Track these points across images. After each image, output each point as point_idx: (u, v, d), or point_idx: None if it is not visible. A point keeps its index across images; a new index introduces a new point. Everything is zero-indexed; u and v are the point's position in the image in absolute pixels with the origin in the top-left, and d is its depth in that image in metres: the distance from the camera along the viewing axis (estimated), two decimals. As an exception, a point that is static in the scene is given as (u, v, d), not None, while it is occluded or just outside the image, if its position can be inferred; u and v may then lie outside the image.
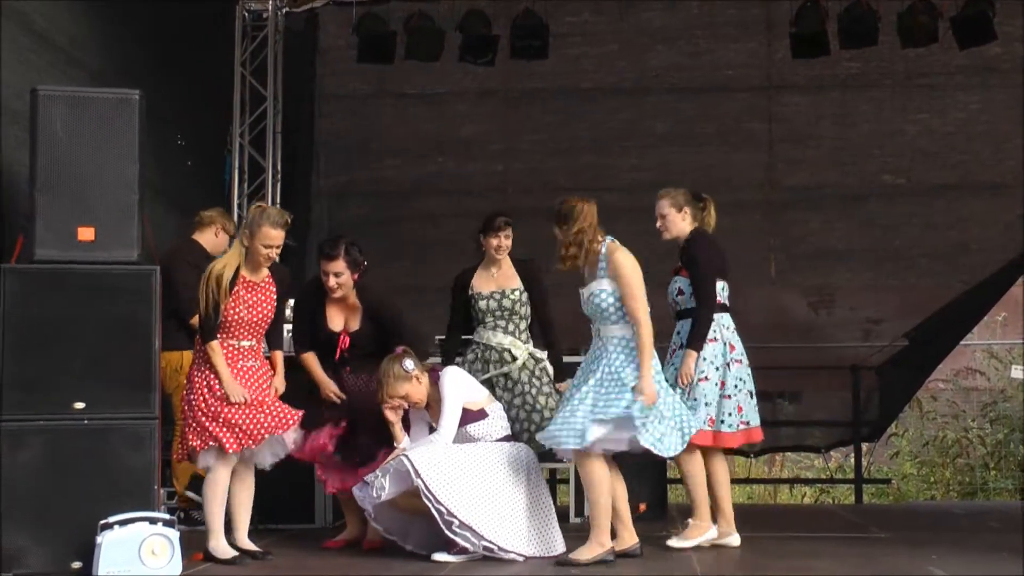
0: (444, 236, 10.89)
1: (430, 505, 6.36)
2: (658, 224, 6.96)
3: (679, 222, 6.92)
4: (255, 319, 6.48)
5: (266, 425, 6.36)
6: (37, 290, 6.05)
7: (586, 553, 6.25)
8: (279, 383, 6.62)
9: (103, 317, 6.11)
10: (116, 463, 6.05)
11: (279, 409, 6.45)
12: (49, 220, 6.10)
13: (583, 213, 6.35)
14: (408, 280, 10.85)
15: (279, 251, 6.52)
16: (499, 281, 7.40)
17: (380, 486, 6.48)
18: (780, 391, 11.28)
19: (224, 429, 6.29)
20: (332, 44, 11.13)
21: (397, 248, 11.05)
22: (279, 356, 6.72)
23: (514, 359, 7.29)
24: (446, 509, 6.36)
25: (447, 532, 6.38)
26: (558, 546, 6.64)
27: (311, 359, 7.03)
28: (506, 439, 6.84)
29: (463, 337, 7.54)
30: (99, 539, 5.82)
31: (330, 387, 6.97)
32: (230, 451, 6.30)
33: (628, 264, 6.31)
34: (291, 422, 6.46)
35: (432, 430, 6.77)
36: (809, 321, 10.91)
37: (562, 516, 7.10)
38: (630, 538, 6.50)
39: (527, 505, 6.64)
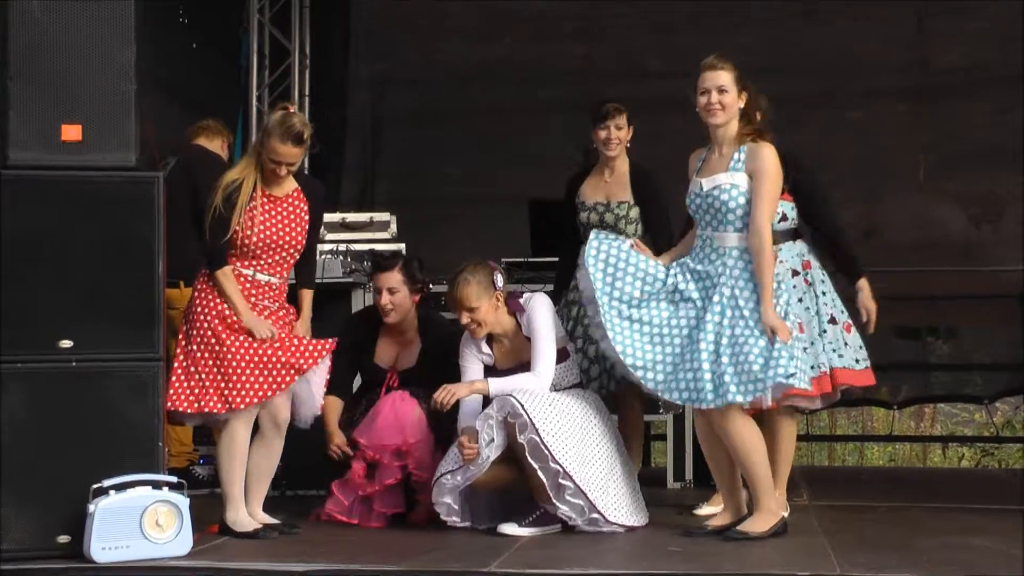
0: (510, 135, 10.88)
1: (538, 466, 6.40)
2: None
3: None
4: (280, 241, 6.51)
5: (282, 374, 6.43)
6: (12, 201, 6.04)
7: (760, 524, 6.36)
8: (303, 331, 6.66)
9: (94, 235, 6.11)
10: (112, 414, 6.07)
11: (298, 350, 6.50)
12: (26, 116, 6.08)
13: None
14: (464, 189, 10.89)
15: (292, 168, 6.55)
16: (609, 189, 7.42)
17: (485, 456, 6.49)
18: (932, 326, 11.21)
19: (223, 384, 6.37)
20: None
21: (451, 150, 11.07)
22: (307, 296, 6.75)
23: None
24: (562, 470, 6.39)
25: (555, 502, 6.43)
26: (643, 515, 6.79)
27: (333, 405, 7.11)
28: (577, 386, 6.90)
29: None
30: (91, 507, 5.86)
31: (338, 440, 7.07)
32: (223, 411, 6.40)
33: (776, 166, 6.36)
34: (307, 363, 6.50)
35: (491, 371, 6.81)
36: (968, 238, 10.76)
37: (658, 480, 7.13)
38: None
39: (619, 465, 6.74)
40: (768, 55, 10.45)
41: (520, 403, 6.43)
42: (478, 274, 6.71)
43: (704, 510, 7.19)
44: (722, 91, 6.43)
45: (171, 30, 9.25)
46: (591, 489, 6.45)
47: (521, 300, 6.82)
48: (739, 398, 6.19)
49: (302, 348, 6.49)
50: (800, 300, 6.74)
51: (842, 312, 6.90)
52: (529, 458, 6.39)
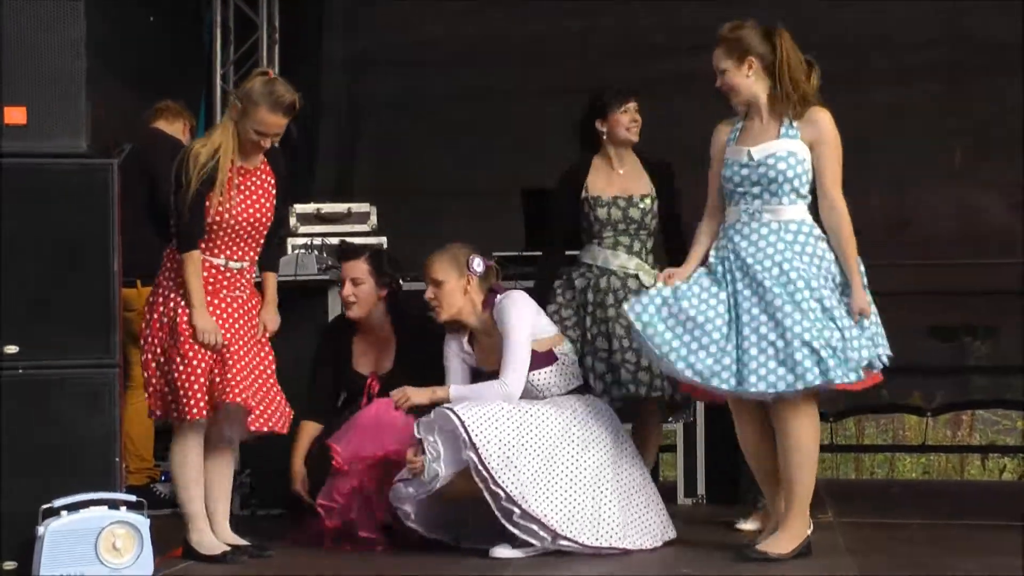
0: (502, 120, 10.85)
1: (483, 486, 6.35)
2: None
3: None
4: (250, 221, 6.46)
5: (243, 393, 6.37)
6: (-50, 193, 6.06)
7: (784, 544, 6.31)
8: (270, 317, 6.61)
9: (42, 229, 6.11)
10: (64, 427, 6.07)
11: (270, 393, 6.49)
12: (-38, 98, 6.09)
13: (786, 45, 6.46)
14: (454, 182, 10.85)
15: (276, 139, 6.53)
16: (625, 183, 7.43)
17: (433, 472, 6.42)
18: (969, 325, 11.18)
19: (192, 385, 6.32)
20: None
21: (438, 137, 11.02)
22: (272, 279, 6.70)
23: (642, 287, 7.29)
24: (504, 493, 6.34)
25: (505, 523, 6.37)
26: (667, 531, 6.75)
27: (307, 432, 7.13)
28: (577, 391, 6.87)
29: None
30: (41, 529, 5.85)
31: (300, 482, 7.03)
32: (194, 418, 6.33)
33: (835, 129, 6.41)
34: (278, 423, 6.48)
35: (477, 375, 6.80)
36: (1009, 228, 10.72)
37: (667, 495, 7.12)
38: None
39: (617, 482, 6.66)
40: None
41: (458, 417, 6.36)
42: (455, 250, 6.83)
43: (746, 524, 7.18)
44: (722, 72, 6.46)
45: (126, 2, 9.17)
46: (548, 514, 6.34)
47: (497, 296, 6.80)
48: (851, 376, 6.18)
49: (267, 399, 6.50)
50: None
51: None
52: (475, 476, 6.34)
